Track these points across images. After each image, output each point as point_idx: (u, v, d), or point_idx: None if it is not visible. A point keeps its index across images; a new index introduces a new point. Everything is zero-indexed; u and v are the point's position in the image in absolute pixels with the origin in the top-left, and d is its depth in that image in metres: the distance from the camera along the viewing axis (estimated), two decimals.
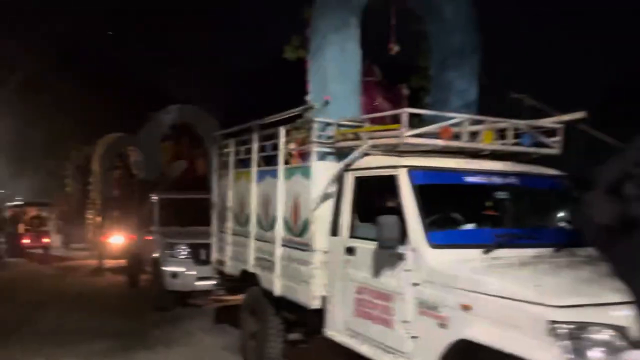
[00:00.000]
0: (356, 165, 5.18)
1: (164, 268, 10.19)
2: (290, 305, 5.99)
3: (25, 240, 22.25)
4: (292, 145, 6.09)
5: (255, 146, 6.93)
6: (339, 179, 5.34)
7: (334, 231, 5.34)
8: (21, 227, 22.41)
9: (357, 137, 5.29)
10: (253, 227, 6.88)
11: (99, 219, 19.06)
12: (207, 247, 10.10)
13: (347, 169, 5.24)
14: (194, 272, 10.07)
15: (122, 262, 16.28)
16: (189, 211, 11.34)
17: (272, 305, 6.43)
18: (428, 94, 6.58)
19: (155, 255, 10.68)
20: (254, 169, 6.92)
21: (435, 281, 4.02)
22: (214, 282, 9.45)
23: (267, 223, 6.53)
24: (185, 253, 10.17)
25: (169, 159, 13.06)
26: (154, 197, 11.57)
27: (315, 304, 5.46)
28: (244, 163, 7.53)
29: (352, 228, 5.17)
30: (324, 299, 5.42)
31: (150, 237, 11.43)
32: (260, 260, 6.69)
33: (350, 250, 5.08)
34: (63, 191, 26.11)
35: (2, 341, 8.28)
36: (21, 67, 30.16)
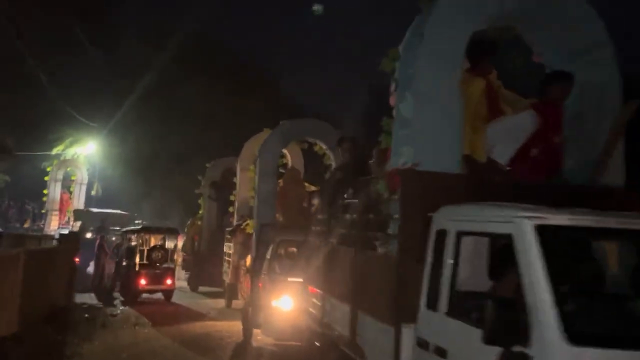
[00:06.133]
0: None
1: None
2: None
3: (142, 281, 14.79)
4: None
5: None
6: None
7: None
8: (137, 261, 15.05)
9: None
10: None
11: (247, 258, 11.04)
12: None
13: None
14: None
15: (292, 343, 8.29)
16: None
17: None
18: None
19: None
20: None
21: None
22: None
23: None
24: None
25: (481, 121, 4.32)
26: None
27: None
28: None
29: None
30: None
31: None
32: None
33: None
34: (195, 216, 18.81)
35: None
36: (155, 73, 24.14)
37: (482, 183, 3.92)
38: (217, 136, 22.82)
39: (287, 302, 8.16)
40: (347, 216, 5.26)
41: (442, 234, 3.66)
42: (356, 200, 5.16)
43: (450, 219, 3.59)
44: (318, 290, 6.12)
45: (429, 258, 3.76)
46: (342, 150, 6.01)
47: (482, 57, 4.45)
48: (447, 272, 3.54)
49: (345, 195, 5.32)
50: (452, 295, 3.49)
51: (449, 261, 3.53)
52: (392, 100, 4.48)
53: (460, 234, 3.51)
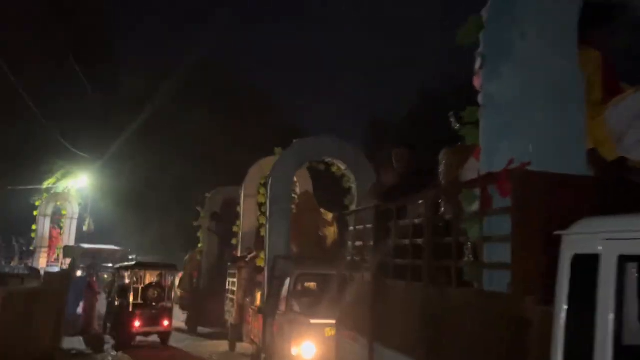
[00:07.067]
0: None
1: None
2: None
3: (137, 323, 13.28)
4: None
5: None
6: None
7: None
8: (131, 301, 13.57)
9: None
10: None
11: (257, 295, 9.73)
12: None
13: None
14: None
15: None
16: None
17: None
18: None
19: None
20: None
21: None
22: None
23: None
24: None
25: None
26: None
27: None
28: None
29: None
30: None
31: None
32: None
33: None
34: (194, 250, 17.44)
35: None
36: (150, 103, 23.20)
37: (624, 188, 2.74)
38: (217, 165, 21.67)
39: (310, 349, 6.86)
40: (405, 241, 4.05)
41: (586, 261, 2.46)
42: (416, 221, 3.98)
43: (606, 237, 2.39)
44: (359, 337, 4.87)
45: (564, 296, 2.55)
46: (395, 159, 4.85)
47: (595, 24, 3.34)
48: (605, 317, 2.33)
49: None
50: (619, 352, 2.27)
51: (608, 300, 2.32)
52: (477, 81, 3.34)
53: (625, 260, 2.31)
